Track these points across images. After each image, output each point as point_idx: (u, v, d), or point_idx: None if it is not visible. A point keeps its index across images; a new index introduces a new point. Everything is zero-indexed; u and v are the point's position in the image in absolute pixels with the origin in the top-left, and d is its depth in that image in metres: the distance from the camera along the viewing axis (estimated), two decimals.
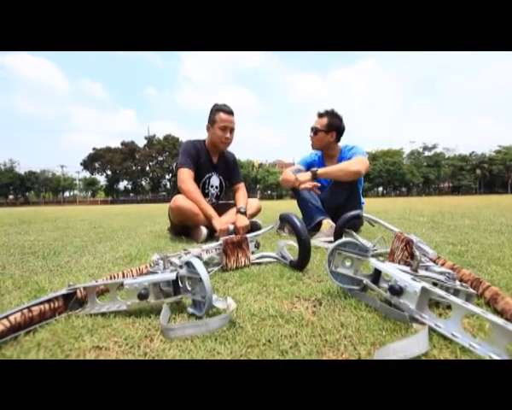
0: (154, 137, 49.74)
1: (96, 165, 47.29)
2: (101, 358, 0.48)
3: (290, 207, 6.87)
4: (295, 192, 1.91)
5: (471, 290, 0.64)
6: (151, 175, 50.18)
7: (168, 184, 51.86)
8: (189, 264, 0.64)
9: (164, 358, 0.47)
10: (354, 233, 0.78)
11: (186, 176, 1.77)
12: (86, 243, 1.72)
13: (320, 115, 1.89)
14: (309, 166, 2.10)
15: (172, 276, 0.63)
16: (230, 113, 1.81)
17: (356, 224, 1.84)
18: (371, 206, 6.55)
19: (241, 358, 0.47)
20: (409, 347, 0.46)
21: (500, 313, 0.61)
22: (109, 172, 48.18)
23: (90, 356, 0.49)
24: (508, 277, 0.87)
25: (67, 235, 2.13)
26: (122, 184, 51.56)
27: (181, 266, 0.71)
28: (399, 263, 0.89)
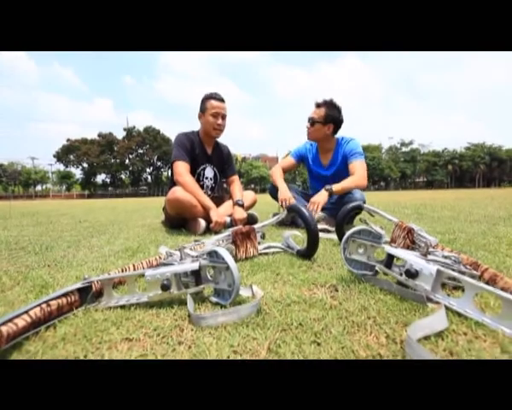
0: (134, 129, 47.71)
1: (71, 157, 44.60)
2: (135, 350, 0.47)
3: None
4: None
5: (474, 272, 0.69)
6: (131, 168, 48.27)
7: (149, 177, 50.22)
8: (212, 253, 0.64)
9: (201, 346, 0.47)
10: (367, 221, 0.81)
11: (182, 169, 1.74)
12: (78, 237, 1.64)
13: (318, 105, 1.86)
14: (302, 158, 2.13)
15: (195, 266, 0.63)
16: (221, 100, 1.81)
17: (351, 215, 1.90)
18: None
19: (277, 341, 0.48)
20: (433, 324, 0.49)
21: None
22: (86, 165, 45.70)
23: (122, 348, 0.48)
24: (497, 260, 0.94)
25: (53, 230, 2.02)
26: (100, 178, 49.24)
27: (197, 257, 0.71)
28: None
